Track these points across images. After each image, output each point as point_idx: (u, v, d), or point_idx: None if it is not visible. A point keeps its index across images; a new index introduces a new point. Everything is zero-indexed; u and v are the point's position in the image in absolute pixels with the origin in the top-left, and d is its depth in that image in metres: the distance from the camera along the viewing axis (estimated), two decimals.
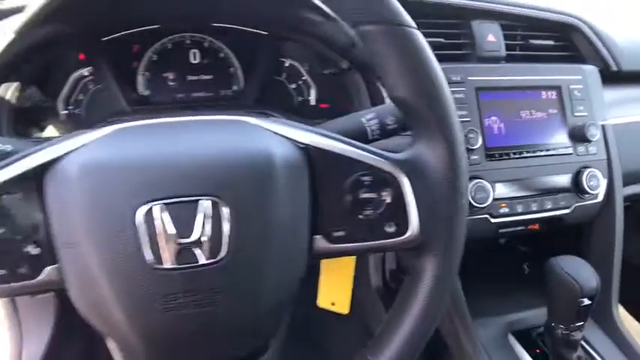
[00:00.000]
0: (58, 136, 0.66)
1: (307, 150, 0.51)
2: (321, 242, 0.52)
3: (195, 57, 0.90)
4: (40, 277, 0.47)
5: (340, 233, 0.52)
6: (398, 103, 0.52)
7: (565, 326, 0.78)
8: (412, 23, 0.49)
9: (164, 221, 0.44)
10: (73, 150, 0.48)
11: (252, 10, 0.84)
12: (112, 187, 0.44)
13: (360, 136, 0.61)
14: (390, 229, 0.53)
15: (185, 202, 0.45)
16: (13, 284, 0.46)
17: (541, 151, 0.85)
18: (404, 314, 0.55)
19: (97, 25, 0.83)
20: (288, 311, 0.54)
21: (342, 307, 0.99)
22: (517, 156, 0.83)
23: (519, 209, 0.82)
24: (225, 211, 0.46)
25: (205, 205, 0.45)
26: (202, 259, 0.45)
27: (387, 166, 0.52)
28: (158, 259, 0.44)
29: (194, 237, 0.45)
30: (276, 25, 0.87)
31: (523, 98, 0.85)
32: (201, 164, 0.46)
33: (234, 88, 0.91)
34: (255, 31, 0.89)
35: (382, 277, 1.26)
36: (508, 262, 1.07)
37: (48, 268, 0.47)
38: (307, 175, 0.51)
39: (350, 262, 1.05)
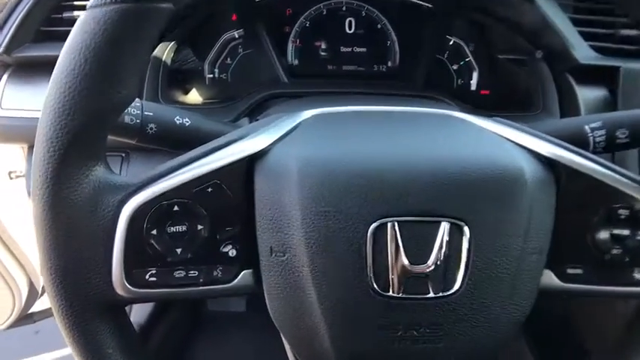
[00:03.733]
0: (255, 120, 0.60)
1: (552, 165, 0.42)
2: (549, 278, 0.44)
3: (350, 26, 0.82)
4: (235, 282, 0.42)
5: (576, 271, 0.44)
6: None
7: None
8: None
9: (397, 242, 0.38)
10: (280, 138, 0.42)
11: None
12: (342, 192, 0.38)
13: (578, 146, 0.51)
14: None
15: (424, 222, 0.38)
16: (207, 287, 0.41)
17: None
18: None
19: None
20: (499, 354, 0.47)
21: None
22: None
23: None
24: (466, 238, 0.38)
25: (445, 228, 0.38)
26: (433, 291, 0.39)
27: None
28: (383, 284, 0.38)
29: (428, 265, 0.38)
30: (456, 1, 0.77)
31: None
32: (443, 178, 0.39)
33: (389, 64, 0.83)
34: (421, 3, 0.80)
35: None
36: None
37: (245, 272, 0.42)
38: (555, 198, 0.42)
39: None
